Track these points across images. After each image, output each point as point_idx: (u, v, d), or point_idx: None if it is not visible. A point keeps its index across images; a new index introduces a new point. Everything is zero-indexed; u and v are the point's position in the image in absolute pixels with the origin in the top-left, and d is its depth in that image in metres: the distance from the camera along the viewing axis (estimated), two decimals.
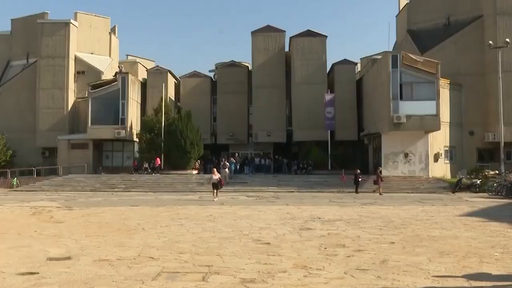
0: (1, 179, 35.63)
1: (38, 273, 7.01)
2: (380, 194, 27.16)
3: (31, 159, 40.15)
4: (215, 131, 45.03)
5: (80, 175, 36.39)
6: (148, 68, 48.08)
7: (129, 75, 39.80)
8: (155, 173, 36.05)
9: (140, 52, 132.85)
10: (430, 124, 31.97)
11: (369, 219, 14.30)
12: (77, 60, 43.79)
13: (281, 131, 42.64)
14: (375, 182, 29.15)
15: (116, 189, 31.74)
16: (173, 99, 45.36)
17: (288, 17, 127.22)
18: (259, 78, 42.66)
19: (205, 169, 39.85)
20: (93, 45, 45.88)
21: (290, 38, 43.22)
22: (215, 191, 23.43)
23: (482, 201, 22.47)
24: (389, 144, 33.47)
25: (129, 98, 38.95)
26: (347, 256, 8.31)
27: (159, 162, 36.69)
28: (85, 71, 43.76)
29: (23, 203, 20.81)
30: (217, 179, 23.72)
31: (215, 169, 25.25)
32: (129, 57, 54.06)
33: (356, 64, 46.52)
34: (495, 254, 8.54)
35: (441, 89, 33.15)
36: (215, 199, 22.52)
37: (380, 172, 29.88)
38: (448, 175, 34.24)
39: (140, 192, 30.11)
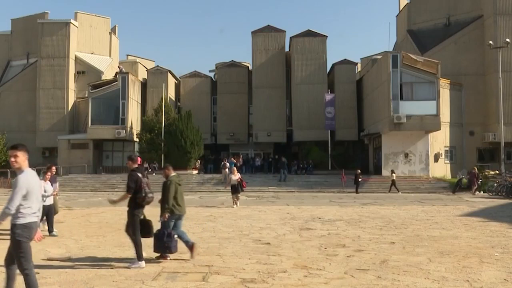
0: (1, 179, 35.64)
1: (38, 273, 6.99)
2: (357, 193, 28.06)
3: (31, 159, 39.32)
4: (215, 131, 45.07)
5: (80, 175, 36.40)
6: (148, 68, 48.12)
7: (129, 75, 39.82)
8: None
9: (140, 52, 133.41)
10: (430, 124, 31.97)
11: (369, 219, 14.30)
12: (77, 60, 43.82)
13: (281, 131, 42.67)
14: (355, 182, 29.29)
15: (116, 189, 31.71)
16: (173, 99, 45.38)
17: (288, 17, 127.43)
18: (259, 78, 42.70)
19: (205, 169, 39.93)
20: (93, 45, 45.92)
21: (290, 38, 43.24)
22: (235, 195, 18.79)
23: (482, 201, 22.46)
24: (389, 144, 33.48)
25: (129, 98, 38.98)
26: (347, 256, 8.30)
27: (139, 162, 36.68)
28: (85, 71, 43.80)
29: None
30: (238, 179, 18.92)
31: (235, 168, 20.72)
32: (129, 57, 54.11)
33: (356, 64, 46.57)
34: (495, 254, 8.54)
35: (441, 89, 33.16)
36: (234, 206, 18.40)
37: (360, 174, 29.69)
38: (448, 175, 34.24)
39: None
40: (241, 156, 41.29)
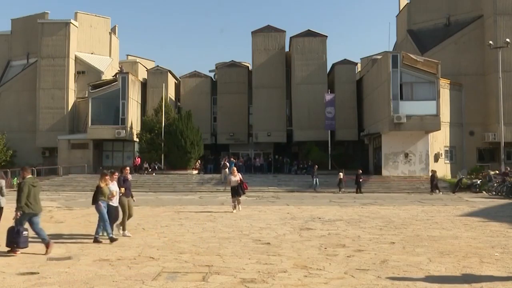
0: None
1: (38, 273, 7.01)
2: (357, 193, 28.20)
3: (31, 159, 40.15)
4: (215, 131, 45.05)
5: (80, 175, 36.39)
6: (148, 68, 48.09)
7: (129, 75, 39.79)
8: (140, 173, 35.83)
9: (140, 52, 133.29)
10: (430, 124, 31.95)
11: (369, 219, 14.30)
12: (77, 60, 43.80)
13: (281, 131, 42.65)
14: (355, 182, 29.34)
15: None
16: (173, 99, 45.37)
17: (288, 17, 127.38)
18: (259, 78, 42.68)
19: (205, 169, 39.90)
20: (93, 45, 45.90)
21: (290, 38, 43.22)
22: (235, 198, 16.77)
23: (482, 201, 22.46)
24: (389, 144, 33.47)
25: (129, 98, 38.96)
26: (347, 256, 8.31)
27: (139, 162, 36.85)
28: (85, 71, 43.76)
29: None
30: (238, 181, 16.67)
31: (235, 169, 18.65)
32: (129, 57, 54.08)
33: (356, 64, 46.53)
34: (495, 254, 8.54)
35: (441, 89, 33.14)
36: (234, 211, 16.38)
37: (360, 174, 29.75)
38: (448, 175, 34.21)
39: (140, 192, 30.05)
40: (261, 155, 41.64)
